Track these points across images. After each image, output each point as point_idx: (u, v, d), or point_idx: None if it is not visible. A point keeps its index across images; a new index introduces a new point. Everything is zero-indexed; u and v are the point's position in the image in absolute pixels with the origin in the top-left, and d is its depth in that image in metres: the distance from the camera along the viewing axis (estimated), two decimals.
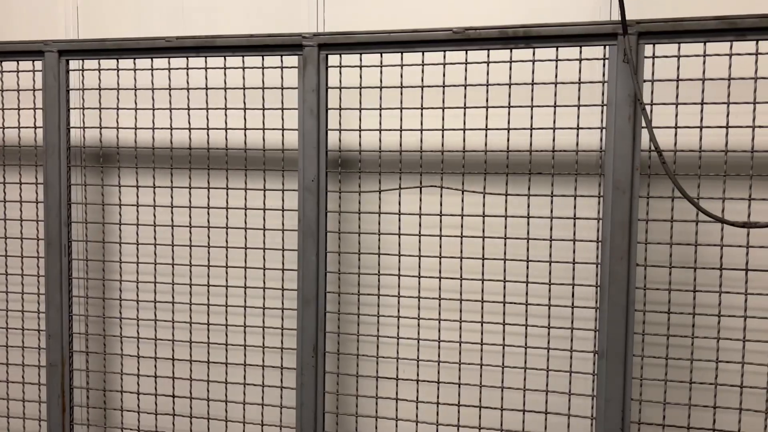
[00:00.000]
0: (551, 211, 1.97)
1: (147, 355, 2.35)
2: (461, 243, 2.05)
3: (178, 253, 2.28)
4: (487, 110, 1.97)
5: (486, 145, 1.98)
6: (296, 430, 2.09)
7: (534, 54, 1.91)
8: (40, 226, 2.33)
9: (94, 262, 2.43)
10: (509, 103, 1.95)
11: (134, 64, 2.22)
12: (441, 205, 2.06)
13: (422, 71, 2.00)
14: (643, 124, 1.78)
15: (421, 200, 2.07)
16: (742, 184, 1.90)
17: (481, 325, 2.03)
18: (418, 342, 2.07)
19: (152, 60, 2.20)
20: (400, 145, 2.06)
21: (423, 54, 2.00)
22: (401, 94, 2.03)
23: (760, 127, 1.79)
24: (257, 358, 2.27)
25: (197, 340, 2.29)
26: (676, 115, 1.84)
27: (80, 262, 2.42)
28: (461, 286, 2.05)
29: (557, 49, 1.89)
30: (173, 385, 2.27)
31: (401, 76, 2.02)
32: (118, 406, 2.41)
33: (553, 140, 1.94)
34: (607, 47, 1.83)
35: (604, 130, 1.88)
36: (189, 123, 2.21)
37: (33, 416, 2.45)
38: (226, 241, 2.21)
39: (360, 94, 2.07)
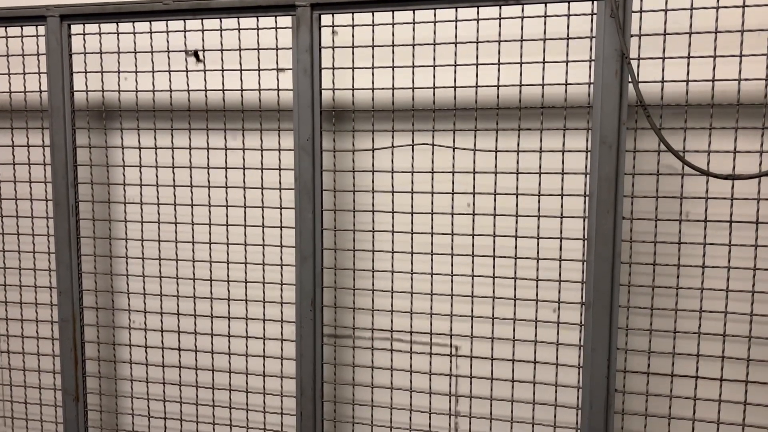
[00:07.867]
0: (539, 167, 2.01)
1: (153, 310, 2.44)
2: (452, 199, 2.10)
3: (180, 211, 2.37)
4: (477, 67, 1.99)
5: (476, 102, 2.02)
6: (296, 380, 2.18)
7: (523, 10, 1.93)
8: (49, 187, 2.42)
9: (101, 222, 2.52)
10: (498, 60, 1.98)
11: (133, 27, 2.27)
12: (432, 162, 2.11)
13: (413, 29, 2.03)
14: (629, 80, 1.80)
15: (413, 158, 2.12)
16: (728, 137, 1.92)
17: (472, 278, 2.09)
18: (411, 295, 2.14)
19: (150, 23, 2.25)
20: (393, 104, 2.11)
21: (414, 12, 2.03)
22: (393, 52, 2.06)
23: (745, 80, 1.81)
24: (258, 311, 2.36)
25: (201, 294, 2.39)
26: (663, 69, 1.85)
27: (88, 222, 2.50)
28: (452, 240, 2.11)
29: (546, 5, 1.91)
30: (179, 339, 2.37)
31: (392, 34, 2.05)
32: (127, 359, 2.52)
33: (542, 96, 1.97)
34: (595, 2, 1.84)
35: (591, 86, 1.90)
36: (188, 85, 2.26)
37: (47, 369, 2.57)
38: (226, 200, 2.27)
39: (353, 53, 2.10)
